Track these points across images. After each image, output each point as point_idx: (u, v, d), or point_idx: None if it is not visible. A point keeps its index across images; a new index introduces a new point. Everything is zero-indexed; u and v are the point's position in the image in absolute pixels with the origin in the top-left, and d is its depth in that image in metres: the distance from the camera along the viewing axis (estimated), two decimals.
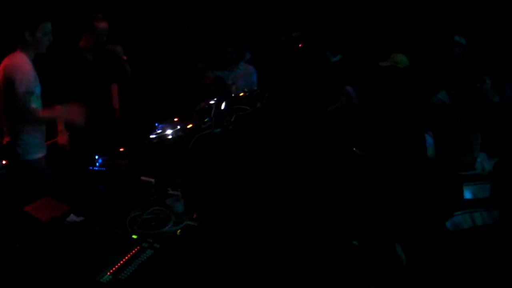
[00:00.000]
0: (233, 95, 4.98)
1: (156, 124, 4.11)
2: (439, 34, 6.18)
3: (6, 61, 3.59)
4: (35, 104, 3.61)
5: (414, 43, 5.94)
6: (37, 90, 3.65)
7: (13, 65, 3.55)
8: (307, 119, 4.91)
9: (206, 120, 4.18)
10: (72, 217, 2.77)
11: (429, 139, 3.66)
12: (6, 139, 3.69)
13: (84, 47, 4.36)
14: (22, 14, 3.63)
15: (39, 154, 3.74)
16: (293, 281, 2.83)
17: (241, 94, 5.08)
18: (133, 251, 2.46)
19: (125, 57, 4.52)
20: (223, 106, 4.30)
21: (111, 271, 2.31)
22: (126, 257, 2.41)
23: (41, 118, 3.69)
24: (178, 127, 4.04)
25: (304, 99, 5.33)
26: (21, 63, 3.56)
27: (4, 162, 2.46)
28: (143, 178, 3.08)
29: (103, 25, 4.31)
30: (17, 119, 3.64)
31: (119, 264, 2.35)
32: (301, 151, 4.33)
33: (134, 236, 2.61)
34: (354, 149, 4.38)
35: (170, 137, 3.89)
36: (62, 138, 4.18)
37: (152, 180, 3.06)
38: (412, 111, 4.25)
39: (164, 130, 3.95)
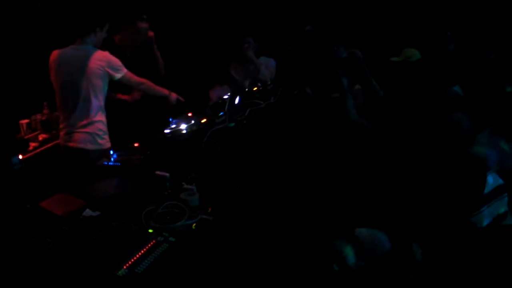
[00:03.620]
0: (246, 89, 4.96)
1: (170, 119, 4.12)
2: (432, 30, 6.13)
3: (89, 54, 3.69)
4: None
5: (417, 38, 5.87)
6: None
7: (107, 53, 3.73)
8: (320, 114, 4.88)
9: (220, 114, 4.17)
10: (87, 212, 2.78)
11: None
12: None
13: (123, 44, 4.39)
14: (99, 12, 3.81)
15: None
16: (307, 273, 2.81)
17: (255, 88, 5.06)
18: (149, 245, 2.47)
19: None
20: (236, 101, 4.30)
21: (127, 264, 2.31)
22: (142, 251, 2.41)
23: None
24: (192, 121, 4.04)
25: (317, 94, 5.30)
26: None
27: (20, 156, 2.48)
28: (157, 172, 3.08)
29: (145, 25, 4.40)
30: (101, 109, 3.80)
31: (135, 258, 2.36)
32: (315, 146, 4.31)
33: (150, 230, 2.61)
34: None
35: (184, 131, 3.90)
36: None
37: (167, 174, 3.06)
38: (425, 105, 4.22)
39: (178, 125, 3.96)
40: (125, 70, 3.78)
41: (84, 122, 3.74)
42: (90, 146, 3.76)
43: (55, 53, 3.76)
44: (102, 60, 3.65)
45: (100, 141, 3.80)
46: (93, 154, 3.75)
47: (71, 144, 3.79)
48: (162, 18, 6.31)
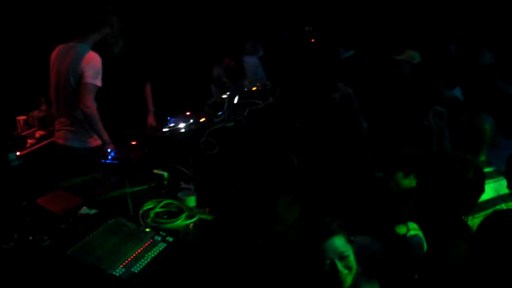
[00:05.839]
0: (245, 89, 4.94)
1: (169, 118, 4.10)
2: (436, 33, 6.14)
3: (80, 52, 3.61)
4: None
5: (417, 41, 5.87)
6: None
7: (97, 58, 3.61)
8: (319, 113, 4.87)
9: (218, 114, 4.16)
10: (84, 210, 2.76)
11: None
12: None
13: (107, 42, 4.31)
14: (102, 12, 3.76)
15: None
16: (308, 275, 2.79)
17: (254, 88, 5.05)
18: (146, 244, 2.45)
19: None
20: (235, 100, 4.28)
21: (124, 264, 2.30)
22: (139, 250, 2.40)
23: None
24: (191, 120, 4.02)
25: (316, 94, 5.29)
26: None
27: (18, 153, 2.47)
28: (155, 171, 3.06)
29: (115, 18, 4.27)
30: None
31: (132, 257, 2.34)
32: (314, 145, 4.29)
33: (147, 229, 2.59)
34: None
35: (182, 130, 3.88)
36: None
37: (165, 173, 3.04)
38: (422, 107, 4.20)
39: (176, 124, 3.94)
40: (92, 82, 3.56)
41: (69, 120, 3.70)
42: (75, 144, 3.71)
43: (56, 48, 3.74)
44: (87, 62, 3.56)
45: (86, 139, 3.75)
46: (79, 152, 3.71)
47: (58, 141, 3.77)
48: (161, 17, 6.31)
